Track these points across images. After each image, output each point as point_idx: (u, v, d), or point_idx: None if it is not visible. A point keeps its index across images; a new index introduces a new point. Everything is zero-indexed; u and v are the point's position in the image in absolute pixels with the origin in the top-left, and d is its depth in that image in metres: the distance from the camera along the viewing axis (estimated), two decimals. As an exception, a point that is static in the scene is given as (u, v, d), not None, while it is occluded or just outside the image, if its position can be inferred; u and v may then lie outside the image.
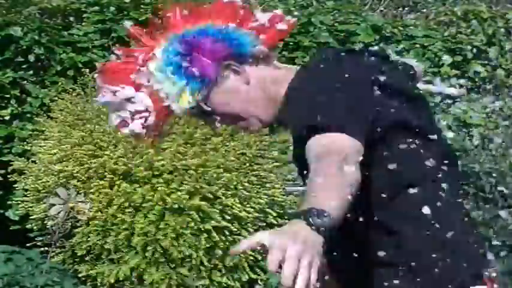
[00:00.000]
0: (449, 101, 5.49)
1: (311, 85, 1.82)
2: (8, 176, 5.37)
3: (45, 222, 4.95)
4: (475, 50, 6.60)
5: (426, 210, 1.77)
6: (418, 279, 1.77)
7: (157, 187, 4.81)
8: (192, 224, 4.76)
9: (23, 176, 5.24)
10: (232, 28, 1.89)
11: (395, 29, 6.56)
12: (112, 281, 4.77)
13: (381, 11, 7.80)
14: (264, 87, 1.92)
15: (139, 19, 6.26)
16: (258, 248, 1.59)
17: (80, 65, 5.94)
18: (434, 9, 7.45)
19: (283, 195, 5.15)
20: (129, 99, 1.97)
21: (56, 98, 5.50)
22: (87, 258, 4.90)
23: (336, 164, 1.62)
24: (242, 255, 4.90)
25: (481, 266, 1.80)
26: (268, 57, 1.97)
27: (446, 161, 1.81)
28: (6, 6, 6.35)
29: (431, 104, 5.93)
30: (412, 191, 1.78)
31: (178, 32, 1.94)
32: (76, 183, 4.90)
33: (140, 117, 1.97)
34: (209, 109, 1.91)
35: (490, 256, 1.82)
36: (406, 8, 8.03)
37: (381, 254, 1.78)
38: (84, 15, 6.44)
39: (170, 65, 1.90)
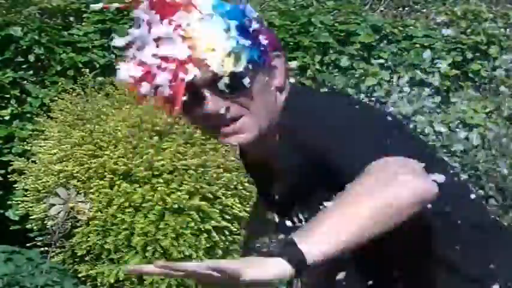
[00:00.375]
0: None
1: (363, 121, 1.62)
2: (8, 176, 5.37)
3: (45, 222, 4.95)
4: (475, 50, 6.60)
5: None
6: None
7: (157, 187, 4.81)
8: (192, 224, 4.76)
9: (23, 176, 5.24)
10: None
11: (395, 29, 6.56)
12: (112, 281, 4.77)
13: (381, 11, 7.80)
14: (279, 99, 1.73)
15: (140, 19, 6.27)
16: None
17: (80, 65, 5.94)
18: (434, 9, 7.45)
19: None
20: (161, 39, 1.61)
21: (56, 98, 5.50)
22: (87, 258, 4.90)
23: (390, 171, 1.45)
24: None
25: None
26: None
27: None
28: (6, 6, 6.35)
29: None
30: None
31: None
32: (76, 183, 4.90)
33: (164, 69, 1.63)
34: (242, 87, 1.64)
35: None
36: (406, 8, 8.03)
37: None
38: (84, 15, 6.44)
39: (235, 19, 1.60)
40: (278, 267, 1.39)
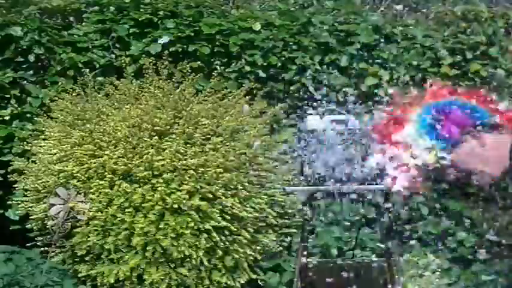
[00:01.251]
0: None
1: None
2: (8, 176, 5.37)
3: (45, 222, 4.95)
4: (475, 50, 6.59)
5: None
6: None
7: (157, 187, 4.81)
8: (192, 224, 4.76)
9: (23, 176, 5.24)
10: (475, 105, 2.40)
11: (395, 29, 6.56)
12: (112, 281, 4.77)
13: (381, 11, 7.80)
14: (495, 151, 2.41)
15: (140, 19, 6.27)
16: None
17: (80, 65, 5.94)
18: (434, 9, 7.45)
19: (283, 195, 5.15)
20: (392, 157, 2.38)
21: (56, 98, 5.50)
22: (87, 258, 4.89)
23: None
24: (242, 255, 4.90)
25: None
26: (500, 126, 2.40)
27: None
28: (6, 6, 6.35)
29: None
30: None
31: (432, 102, 2.41)
32: (76, 183, 4.90)
33: (401, 171, 2.39)
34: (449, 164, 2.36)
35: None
36: (406, 8, 8.03)
37: None
38: (84, 15, 6.44)
39: (424, 127, 2.38)
40: None
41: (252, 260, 4.98)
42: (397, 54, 6.41)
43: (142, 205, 4.81)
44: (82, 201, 4.81)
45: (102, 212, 4.84)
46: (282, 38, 6.30)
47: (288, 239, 5.24)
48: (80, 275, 4.88)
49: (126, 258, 4.80)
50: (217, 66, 6.15)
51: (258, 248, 5.01)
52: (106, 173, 4.89)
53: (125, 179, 4.89)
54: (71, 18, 6.54)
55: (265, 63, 6.20)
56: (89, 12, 6.42)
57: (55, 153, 5.09)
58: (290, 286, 4.83)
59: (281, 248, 5.17)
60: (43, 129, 5.37)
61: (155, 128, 5.00)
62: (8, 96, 5.91)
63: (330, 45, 6.35)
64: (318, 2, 7.42)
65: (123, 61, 5.87)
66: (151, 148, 4.89)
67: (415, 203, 5.83)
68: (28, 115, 5.88)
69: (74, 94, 5.43)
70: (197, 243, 4.77)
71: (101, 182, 4.89)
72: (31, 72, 6.07)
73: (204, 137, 5.03)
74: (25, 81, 6.00)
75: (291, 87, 6.18)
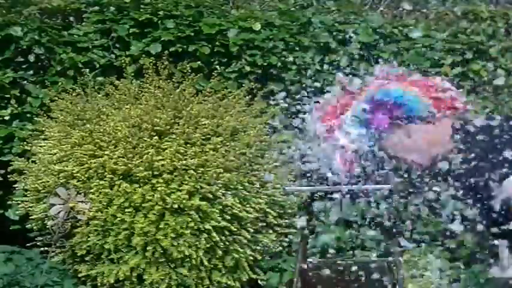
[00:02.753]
0: None
1: None
2: (8, 176, 5.37)
3: (45, 222, 4.95)
4: (475, 50, 6.60)
5: None
6: None
7: (157, 187, 4.81)
8: (192, 224, 4.77)
9: (23, 176, 5.24)
10: (412, 94, 2.57)
11: (395, 29, 6.56)
12: (112, 281, 4.77)
13: (381, 11, 7.80)
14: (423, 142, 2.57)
15: (140, 19, 6.27)
16: None
17: (80, 65, 5.94)
18: (434, 9, 7.45)
19: (283, 195, 5.15)
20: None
21: (56, 98, 5.50)
22: (87, 258, 4.90)
23: None
24: (242, 255, 4.90)
25: None
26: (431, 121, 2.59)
27: None
28: (6, 6, 6.35)
29: None
30: None
31: (373, 90, 2.58)
32: (76, 183, 4.90)
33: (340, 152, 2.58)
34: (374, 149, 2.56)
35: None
36: (406, 8, 8.02)
37: None
38: (84, 15, 6.44)
39: (356, 116, 2.57)
40: None
41: (252, 260, 4.98)
42: (397, 54, 6.41)
43: (143, 205, 4.81)
44: (82, 201, 4.81)
45: (102, 212, 4.84)
46: (282, 38, 6.30)
47: (288, 239, 5.24)
48: (80, 275, 4.89)
49: (126, 258, 4.80)
50: (217, 66, 6.15)
51: (258, 248, 5.01)
52: (106, 173, 4.89)
53: (125, 179, 4.89)
54: (71, 18, 6.53)
55: (265, 63, 6.20)
56: (89, 12, 6.42)
57: (55, 153, 5.09)
58: (290, 286, 4.83)
59: (281, 248, 5.17)
60: (43, 129, 5.37)
61: (155, 128, 5.00)
62: (8, 96, 5.91)
63: (330, 45, 6.35)
64: (318, 2, 7.42)
65: (123, 61, 5.86)
66: (151, 148, 4.89)
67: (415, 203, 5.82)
68: (28, 115, 5.88)
69: (74, 94, 5.43)
70: (197, 243, 4.78)
71: (101, 182, 4.89)
72: (31, 72, 6.07)
73: (204, 137, 5.03)
74: (25, 81, 6.00)
75: (291, 87, 6.18)
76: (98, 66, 6.10)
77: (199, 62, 6.11)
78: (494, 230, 2.77)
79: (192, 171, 4.83)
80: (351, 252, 5.14)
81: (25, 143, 5.47)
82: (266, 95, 5.79)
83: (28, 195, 5.14)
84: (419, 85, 2.61)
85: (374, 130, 2.56)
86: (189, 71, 5.51)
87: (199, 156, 4.89)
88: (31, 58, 6.05)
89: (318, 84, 6.16)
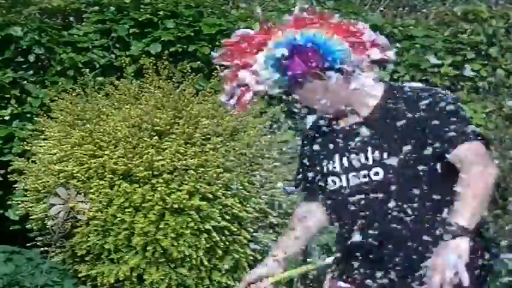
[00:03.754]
0: None
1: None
2: (8, 176, 5.37)
3: (45, 222, 4.95)
4: (475, 50, 6.59)
5: None
6: None
7: (157, 187, 4.81)
8: (192, 224, 4.76)
9: (23, 176, 5.24)
10: (334, 42, 2.39)
11: (395, 29, 6.56)
12: (112, 281, 4.77)
13: (381, 11, 7.80)
14: (338, 94, 2.43)
15: (140, 19, 6.26)
16: None
17: (80, 65, 5.94)
18: (434, 9, 7.45)
19: (283, 195, 5.14)
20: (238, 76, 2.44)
21: (56, 98, 5.49)
22: (87, 258, 4.90)
23: (492, 172, 2.36)
24: (242, 255, 4.90)
25: None
26: (351, 72, 2.44)
27: None
28: (6, 6, 6.35)
29: None
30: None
31: (293, 32, 2.40)
32: (76, 183, 4.90)
33: (241, 91, 2.46)
34: (288, 97, 2.45)
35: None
36: (406, 8, 8.03)
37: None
38: (84, 15, 6.44)
39: (273, 60, 2.40)
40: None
41: (252, 260, 4.98)
42: (397, 54, 6.41)
43: (142, 205, 4.81)
44: (82, 201, 4.80)
45: (102, 212, 4.84)
46: (282, 38, 6.29)
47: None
48: (80, 275, 4.89)
49: (126, 258, 4.80)
50: (217, 66, 6.14)
51: (258, 248, 5.01)
52: (106, 173, 4.89)
53: (125, 179, 4.89)
54: (71, 18, 6.54)
55: (265, 63, 6.20)
56: (89, 12, 6.42)
57: (55, 153, 5.09)
58: (290, 286, 4.83)
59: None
60: (43, 129, 5.37)
61: (155, 128, 5.00)
62: (8, 96, 5.91)
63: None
64: (318, 2, 7.42)
65: (123, 61, 5.86)
66: (151, 148, 4.89)
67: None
68: (28, 115, 5.88)
69: (74, 94, 5.43)
70: (197, 243, 4.78)
71: (101, 182, 4.89)
72: (31, 72, 6.07)
73: (204, 137, 5.03)
74: (25, 81, 6.00)
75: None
76: (98, 66, 6.10)
77: (199, 62, 6.11)
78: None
79: (192, 171, 4.83)
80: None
81: (25, 143, 5.47)
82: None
83: (28, 195, 5.14)
84: (341, 30, 2.42)
85: (288, 76, 2.38)
86: (189, 71, 5.51)
87: (199, 156, 4.89)
88: (31, 58, 6.05)
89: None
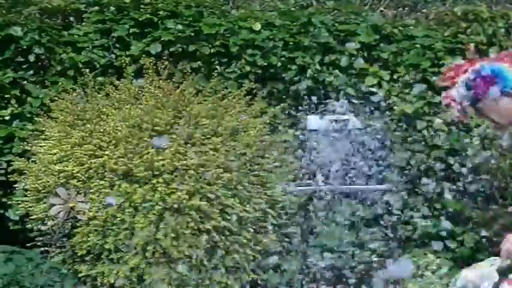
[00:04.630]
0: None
1: None
2: (8, 176, 5.37)
3: (45, 222, 4.95)
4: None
5: None
6: None
7: (157, 187, 4.81)
8: (192, 224, 4.76)
9: (23, 176, 5.24)
10: (507, 71, 3.07)
11: (395, 29, 6.56)
12: (112, 281, 4.77)
13: (381, 11, 7.80)
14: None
15: (140, 19, 6.26)
16: None
17: (80, 65, 5.94)
18: (434, 9, 7.44)
19: (283, 195, 5.15)
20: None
21: (56, 98, 5.50)
22: (87, 258, 4.90)
23: None
24: (242, 255, 4.90)
25: None
26: None
27: None
28: (6, 6, 6.35)
29: None
30: None
31: (484, 63, 3.13)
32: (76, 183, 4.90)
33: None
34: (474, 111, 3.15)
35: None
36: (406, 8, 8.02)
37: None
38: (84, 15, 6.44)
39: (463, 83, 3.16)
40: None
41: (252, 260, 4.98)
42: (397, 54, 6.41)
43: (142, 205, 4.81)
44: (82, 201, 4.81)
45: (102, 212, 4.84)
46: (282, 38, 6.30)
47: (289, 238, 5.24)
48: (80, 275, 4.89)
49: (126, 258, 4.80)
50: (217, 66, 6.15)
51: (258, 248, 5.01)
52: (106, 173, 4.89)
53: (125, 179, 4.89)
54: (71, 18, 6.53)
55: (265, 63, 6.20)
56: (89, 12, 6.42)
57: (55, 153, 5.09)
58: (290, 286, 4.84)
59: (281, 248, 5.17)
60: (43, 129, 5.37)
61: (155, 128, 5.00)
62: (8, 96, 5.91)
63: (330, 45, 6.34)
64: (318, 2, 7.42)
65: (123, 61, 5.86)
66: (152, 148, 4.89)
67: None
68: (28, 115, 5.87)
69: (74, 94, 5.43)
70: (197, 243, 4.77)
71: (101, 182, 4.89)
72: (31, 72, 6.06)
73: (204, 137, 5.03)
74: (25, 81, 6.00)
75: (291, 87, 6.18)
76: (98, 66, 6.09)
77: (199, 62, 6.11)
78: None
79: (192, 171, 4.83)
80: (351, 252, 5.14)
81: (25, 143, 5.47)
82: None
83: (28, 195, 5.14)
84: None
85: (471, 94, 3.09)
86: (189, 71, 5.51)
87: (199, 156, 4.89)
88: (31, 58, 6.05)
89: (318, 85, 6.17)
